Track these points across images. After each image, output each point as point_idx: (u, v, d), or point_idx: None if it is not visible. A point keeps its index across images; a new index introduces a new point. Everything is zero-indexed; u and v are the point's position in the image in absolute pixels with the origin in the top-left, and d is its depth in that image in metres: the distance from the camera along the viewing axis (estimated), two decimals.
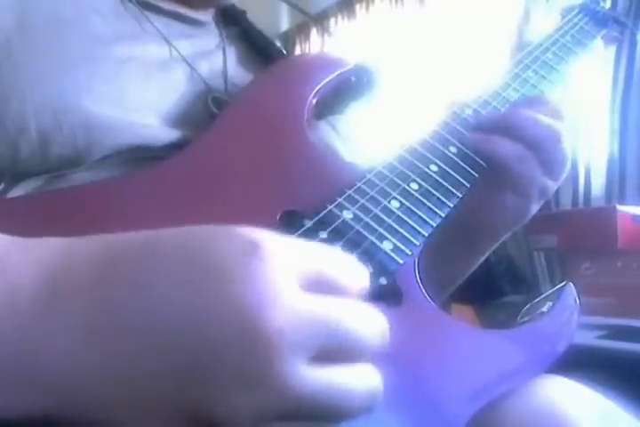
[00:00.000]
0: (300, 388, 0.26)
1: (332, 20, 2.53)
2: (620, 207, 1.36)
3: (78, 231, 0.34)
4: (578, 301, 0.49)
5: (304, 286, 0.28)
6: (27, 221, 0.40)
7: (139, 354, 0.26)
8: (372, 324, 0.29)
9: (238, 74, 0.60)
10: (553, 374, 0.45)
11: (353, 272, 0.31)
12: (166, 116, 0.51)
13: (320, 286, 0.29)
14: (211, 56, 0.59)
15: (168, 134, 0.50)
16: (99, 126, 0.48)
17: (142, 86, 0.51)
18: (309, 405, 0.27)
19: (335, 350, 0.28)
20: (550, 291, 0.51)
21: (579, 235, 1.41)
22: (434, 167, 0.50)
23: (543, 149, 0.53)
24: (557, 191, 1.73)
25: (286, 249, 0.29)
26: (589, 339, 1.19)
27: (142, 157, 0.49)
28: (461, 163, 0.51)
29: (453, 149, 0.52)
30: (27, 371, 0.26)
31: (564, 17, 0.72)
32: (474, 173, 0.52)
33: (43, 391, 0.26)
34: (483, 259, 0.62)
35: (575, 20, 0.71)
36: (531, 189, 0.55)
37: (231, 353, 0.26)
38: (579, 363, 0.55)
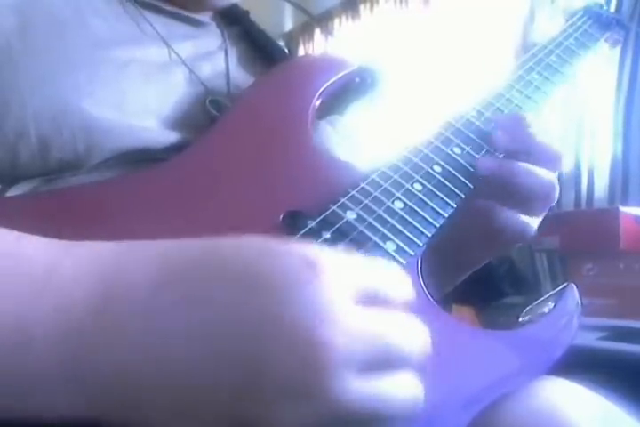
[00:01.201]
0: (348, 402, 0.27)
1: (336, 21, 2.53)
2: (622, 208, 1.36)
3: (76, 231, 0.34)
4: (579, 302, 0.49)
5: (356, 300, 0.29)
6: (24, 219, 0.40)
7: (194, 364, 0.27)
8: (416, 336, 0.31)
9: (241, 75, 0.60)
10: (554, 375, 0.45)
11: (401, 285, 0.32)
12: (166, 118, 0.51)
13: (370, 299, 0.30)
14: (213, 57, 0.59)
15: (168, 137, 0.50)
16: (99, 130, 0.47)
17: (142, 89, 0.51)
18: (355, 417, 0.28)
19: (382, 363, 0.29)
20: (552, 292, 0.51)
21: (581, 236, 1.41)
22: (437, 168, 0.50)
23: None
24: (560, 192, 1.72)
25: (341, 266, 0.30)
26: (591, 340, 1.19)
27: (142, 159, 0.48)
28: (465, 164, 0.51)
29: (457, 150, 0.52)
30: (81, 374, 0.28)
31: (567, 20, 0.72)
32: (477, 173, 0.52)
33: (92, 395, 0.28)
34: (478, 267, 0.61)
35: (579, 22, 0.71)
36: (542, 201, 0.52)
37: (285, 366, 0.27)
38: (580, 364, 0.55)
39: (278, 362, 0.27)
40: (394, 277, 0.32)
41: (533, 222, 0.53)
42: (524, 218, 0.52)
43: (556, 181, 0.52)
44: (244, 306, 0.27)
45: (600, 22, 0.72)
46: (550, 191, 0.52)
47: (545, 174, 0.51)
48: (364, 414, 0.28)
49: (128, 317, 0.28)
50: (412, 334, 0.31)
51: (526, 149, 0.52)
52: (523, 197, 0.52)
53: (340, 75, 0.56)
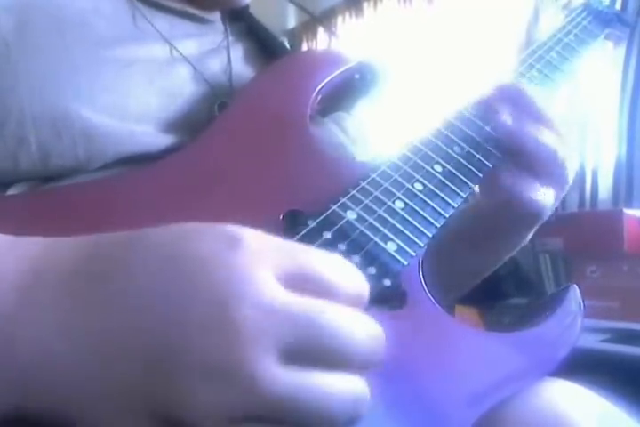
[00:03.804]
0: (270, 386, 0.25)
1: (340, 18, 2.53)
2: (626, 210, 1.36)
3: (74, 228, 0.34)
4: (582, 303, 0.49)
5: (286, 282, 0.27)
6: (20, 218, 0.39)
7: (110, 337, 0.26)
8: (362, 331, 0.27)
9: (245, 71, 0.59)
10: (556, 377, 0.45)
11: (347, 276, 0.29)
12: (169, 121, 0.50)
13: (306, 285, 0.27)
14: (218, 54, 0.59)
15: (170, 141, 0.49)
16: (99, 136, 0.47)
17: (145, 91, 0.50)
18: (283, 407, 0.25)
19: (314, 353, 0.26)
20: (554, 292, 0.50)
21: (585, 238, 1.41)
22: (438, 167, 0.49)
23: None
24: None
25: (268, 245, 0.28)
26: (593, 342, 1.18)
27: (141, 164, 0.47)
28: (465, 163, 0.51)
29: (457, 149, 0.51)
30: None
31: (567, 16, 0.71)
32: (478, 172, 0.51)
33: (11, 383, 0.27)
34: (496, 265, 0.61)
35: (578, 19, 0.70)
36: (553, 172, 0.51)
37: (200, 340, 0.25)
38: (582, 366, 0.55)
39: (192, 340, 0.25)
40: (342, 268, 0.29)
41: (550, 193, 0.52)
42: (541, 188, 0.51)
43: (560, 147, 0.51)
44: (162, 282, 0.26)
45: (600, 19, 0.71)
46: (555, 156, 0.50)
47: (549, 139, 0.50)
48: (293, 408, 0.26)
49: (51, 293, 0.27)
50: (356, 328, 0.27)
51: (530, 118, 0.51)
52: (533, 164, 0.50)
53: (339, 71, 0.55)
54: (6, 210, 0.42)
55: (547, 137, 0.50)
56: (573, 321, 0.48)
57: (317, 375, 0.26)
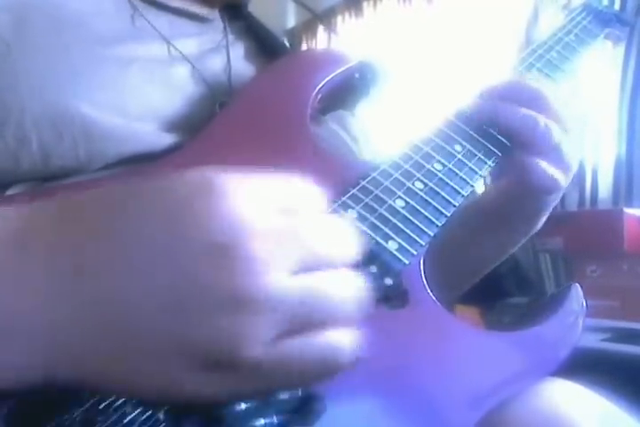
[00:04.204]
0: (285, 292, 0.26)
1: (340, 18, 2.53)
2: (626, 210, 1.36)
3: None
4: (584, 303, 0.49)
5: (273, 211, 0.28)
6: None
7: (117, 293, 0.26)
8: (344, 243, 0.30)
9: (245, 70, 0.59)
10: (557, 376, 0.45)
11: (316, 196, 0.31)
12: (169, 120, 0.50)
13: (290, 211, 0.29)
14: (218, 53, 0.58)
15: (171, 140, 0.49)
16: (100, 135, 0.46)
17: (146, 90, 0.50)
18: (298, 310, 0.27)
19: (313, 266, 0.28)
20: (556, 292, 0.50)
21: (585, 237, 1.41)
22: (438, 166, 0.49)
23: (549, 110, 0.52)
24: (563, 193, 1.72)
25: (252, 180, 0.30)
26: (594, 342, 1.18)
27: (143, 163, 0.47)
28: (466, 161, 0.51)
29: (458, 148, 0.51)
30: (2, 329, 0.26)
31: (567, 16, 0.72)
32: (479, 171, 0.51)
33: (29, 348, 0.26)
34: (512, 250, 0.62)
35: (578, 18, 0.70)
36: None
37: (209, 276, 0.26)
38: (583, 366, 0.55)
39: (201, 274, 0.26)
40: (312, 191, 0.31)
41: (558, 174, 0.52)
42: (550, 167, 0.51)
43: (564, 137, 0.52)
44: (156, 229, 0.26)
45: (599, 18, 0.71)
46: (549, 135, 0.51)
47: (555, 129, 0.51)
48: (306, 306, 0.27)
49: (39, 254, 0.27)
50: (339, 240, 0.30)
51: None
52: (541, 150, 0.51)
53: (339, 70, 0.55)
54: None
55: (552, 127, 0.51)
56: (575, 321, 0.48)
57: (321, 276, 0.28)
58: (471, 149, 0.52)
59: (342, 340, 0.29)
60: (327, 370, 0.29)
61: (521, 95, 0.52)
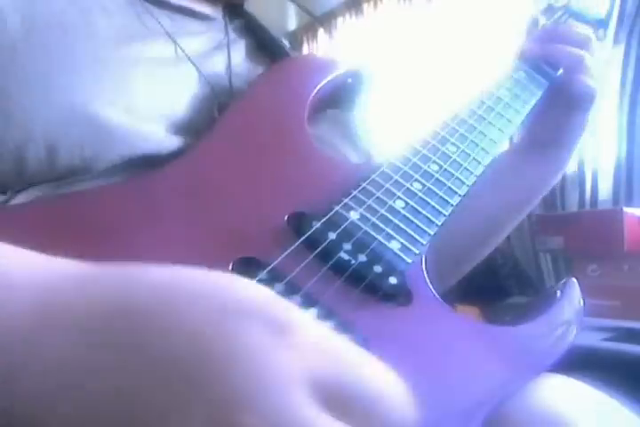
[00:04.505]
0: None
1: (340, 20, 2.53)
2: (626, 209, 1.36)
3: (79, 238, 0.33)
4: (581, 297, 0.50)
5: (322, 398, 0.22)
6: (24, 227, 0.39)
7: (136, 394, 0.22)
8: None
9: (246, 69, 0.60)
10: (558, 374, 0.45)
11: (396, 405, 0.24)
12: (174, 121, 0.51)
13: (345, 408, 0.23)
14: (220, 52, 0.59)
15: (176, 142, 0.49)
16: (106, 134, 0.47)
17: (151, 90, 0.51)
18: None
19: None
20: (553, 286, 0.51)
21: (585, 237, 1.41)
22: (434, 167, 0.51)
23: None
24: (564, 193, 1.73)
25: (316, 340, 0.23)
26: (595, 341, 1.18)
27: (150, 164, 0.47)
28: (461, 161, 0.52)
29: (452, 149, 0.53)
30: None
31: (548, 19, 0.75)
32: (474, 170, 0.53)
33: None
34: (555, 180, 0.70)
35: (560, 21, 0.74)
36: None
37: None
38: (584, 365, 0.55)
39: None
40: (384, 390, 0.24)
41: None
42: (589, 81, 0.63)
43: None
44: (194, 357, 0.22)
45: (579, 21, 0.74)
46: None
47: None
48: None
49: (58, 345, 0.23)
50: None
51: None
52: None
53: (330, 77, 0.56)
54: (7, 220, 0.41)
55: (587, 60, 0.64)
56: (572, 315, 0.49)
57: None
58: (466, 149, 0.53)
59: None
60: None
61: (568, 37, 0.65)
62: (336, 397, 0.22)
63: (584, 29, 0.69)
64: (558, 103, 0.65)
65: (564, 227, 1.43)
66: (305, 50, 2.63)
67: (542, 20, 0.73)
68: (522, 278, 1.65)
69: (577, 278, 0.51)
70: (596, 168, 1.68)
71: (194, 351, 0.22)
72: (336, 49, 2.53)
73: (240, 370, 0.21)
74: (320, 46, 2.63)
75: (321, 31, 2.63)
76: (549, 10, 0.76)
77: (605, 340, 1.20)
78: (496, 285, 1.51)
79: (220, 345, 0.22)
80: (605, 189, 1.66)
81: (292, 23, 2.74)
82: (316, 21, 2.38)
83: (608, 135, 1.65)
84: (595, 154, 1.68)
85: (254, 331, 0.22)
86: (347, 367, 0.23)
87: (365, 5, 2.46)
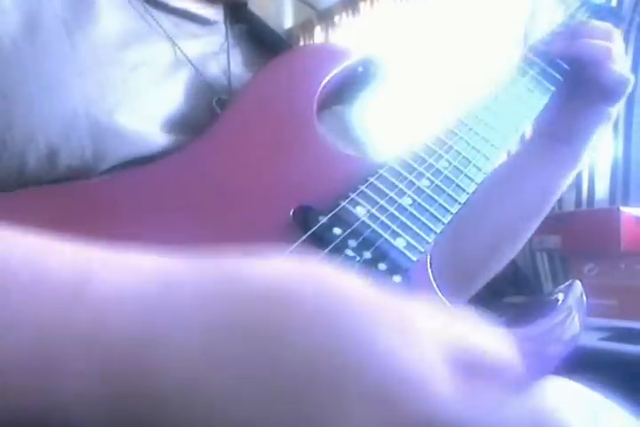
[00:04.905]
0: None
1: (337, 18, 2.53)
2: (623, 209, 1.36)
3: (81, 226, 0.33)
4: (584, 301, 0.49)
5: (455, 367, 0.25)
6: (24, 215, 0.39)
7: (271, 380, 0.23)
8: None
9: (245, 73, 0.59)
10: (555, 375, 0.45)
11: (506, 360, 0.28)
12: (175, 124, 0.50)
13: (471, 369, 0.26)
14: (220, 56, 0.59)
15: (176, 143, 0.49)
16: (107, 136, 0.47)
17: (152, 93, 0.50)
18: None
19: None
20: (556, 289, 0.51)
21: (582, 236, 1.41)
22: (444, 163, 0.50)
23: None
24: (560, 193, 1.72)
25: (438, 324, 0.27)
26: (592, 341, 1.18)
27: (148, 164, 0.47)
28: (471, 158, 0.52)
29: (463, 145, 0.52)
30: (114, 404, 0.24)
31: (567, 11, 0.75)
32: (484, 168, 0.52)
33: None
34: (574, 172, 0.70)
35: (578, 14, 0.73)
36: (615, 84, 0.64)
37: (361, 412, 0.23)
38: (581, 365, 0.55)
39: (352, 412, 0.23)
40: (500, 349, 0.28)
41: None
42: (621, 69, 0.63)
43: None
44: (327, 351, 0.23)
45: (597, 14, 0.74)
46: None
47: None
48: None
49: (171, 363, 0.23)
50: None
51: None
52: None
53: (343, 65, 0.55)
54: (10, 208, 0.41)
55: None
56: (573, 319, 0.48)
57: None
58: (476, 146, 0.53)
59: None
60: None
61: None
62: (465, 364, 0.26)
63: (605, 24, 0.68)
64: (579, 96, 0.65)
65: (560, 226, 1.43)
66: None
67: (540, 10, 0.73)
68: (518, 278, 1.65)
69: (574, 278, 0.51)
70: (592, 167, 1.68)
71: (343, 346, 0.24)
72: (337, 41, 2.53)
73: (385, 364, 0.24)
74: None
75: (318, 29, 2.63)
76: (566, 2, 0.77)
77: (602, 339, 1.20)
78: (492, 284, 1.51)
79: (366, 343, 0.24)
80: (602, 189, 1.66)
81: (289, 21, 2.73)
82: (315, 16, 2.38)
83: (604, 134, 1.65)
84: (591, 153, 1.68)
85: (384, 335, 0.24)
86: (464, 340, 0.27)
87: (362, 4, 2.46)
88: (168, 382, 0.23)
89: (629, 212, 1.34)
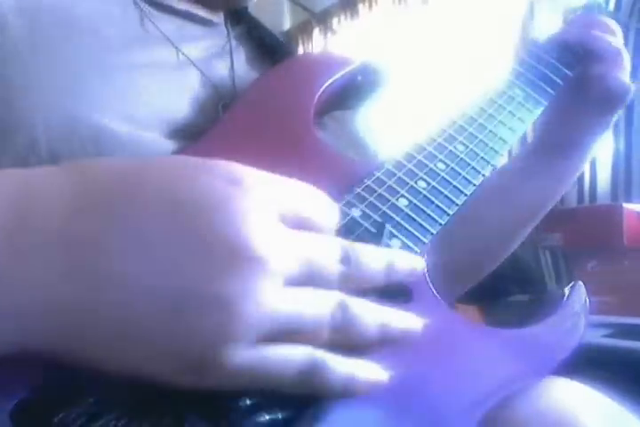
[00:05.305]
0: (277, 305, 0.28)
1: (335, 19, 2.53)
2: (625, 205, 1.35)
3: None
4: (587, 302, 0.49)
5: (280, 219, 0.30)
6: None
7: (128, 279, 0.27)
8: (336, 251, 0.32)
9: (249, 74, 0.59)
10: (559, 373, 0.45)
11: (327, 210, 0.33)
12: (177, 128, 0.50)
13: (294, 221, 0.31)
14: (222, 58, 0.59)
15: (178, 148, 0.49)
16: (109, 143, 0.46)
17: (155, 97, 0.50)
18: (283, 322, 0.29)
19: (308, 279, 0.30)
20: (559, 290, 0.51)
21: (584, 233, 1.40)
22: (441, 165, 0.50)
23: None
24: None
25: (267, 184, 0.31)
26: (595, 338, 1.18)
27: None
28: (469, 160, 0.52)
29: (460, 148, 0.52)
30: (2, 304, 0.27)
31: (567, 17, 0.73)
32: (482, 170, 0.52)
33: (21, 323, 0.27)
34: (573, 180, 0.69)
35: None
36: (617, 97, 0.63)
37: (214, 279, 0.27)
38: (584, 362, 0.55)
39: (208, 276, 0.27)
40: (323, 203, 0.33)
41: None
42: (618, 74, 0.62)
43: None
44: (174, 222, 0.28)
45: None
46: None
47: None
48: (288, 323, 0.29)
49: (44, 246, 0.27)
50: (332, 251, 0.31)
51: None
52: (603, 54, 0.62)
53: (342, 72, 0.55)
54: None
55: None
56: (576, 321, 0.48)
57: (309, 293, 0.30)
58: (474, 148, 0.52)
59: (330, 363, 0.30)
60: (308, 388, 0.30)
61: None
62: (287, 213, 0.31)
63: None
64: (579, 103, 0.63)
65: (562, 223, 1.43)
66: (301, 50, 2.62)
67: (538, 12, 0.73)
68: (521, 276, 1.64)
69: (577, 275, 0.51)
70: (594, 163, 1.67)
71: (179, 199, 0.28)
72: (333, 48, 2.52)
73: (217, 210, 0.28)
74: (315, 46, 2.63)
75: (316, 31, 2.63)
76: (569, 10, 0.76)
77: (606, 336, 1.20)
78: (495, 283, 1.50)
79: (194, 197, 0.28)
80: (604, 184, 1.66)
81: (287, 22, 2.73)
82: (312, 19, 2.38)
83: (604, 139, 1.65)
84: (593, 148, 1.68)
85: (217, 182, 0.29)
86: (286, 192, 0.32)
87: (360, 6, 2.46)
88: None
89: (632, 208, 1.34)
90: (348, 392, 0.31)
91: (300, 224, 0.31)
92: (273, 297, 0.28)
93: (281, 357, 0.29)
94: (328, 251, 0.31)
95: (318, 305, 0.30)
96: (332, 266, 0.31)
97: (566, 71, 0.63)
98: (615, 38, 0.64)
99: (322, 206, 0.33)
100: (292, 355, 0.30)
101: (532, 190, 0.66)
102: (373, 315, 0.32)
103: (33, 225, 0.28)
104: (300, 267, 0.30)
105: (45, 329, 0.27)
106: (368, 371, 0.32)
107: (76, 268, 0.27)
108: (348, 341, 0.31)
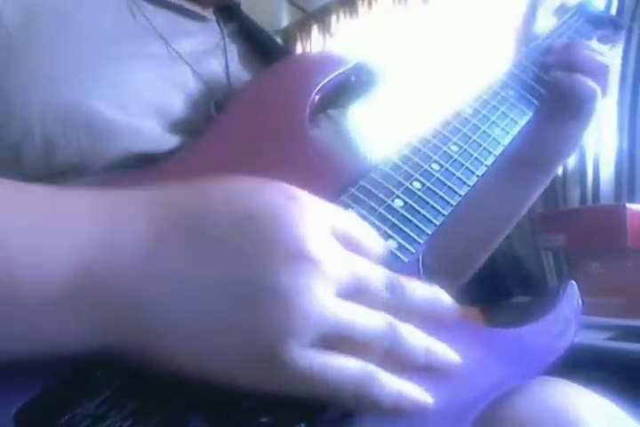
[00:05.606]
0: (333, 308, 0.31)
1: (334, 17, 2.53)
2: (629, 205, 1.34)
3: None
4: (580, 302, 0.50)
5: (334, 235, 0.33)
6: None
7: (207, 281, 0.31)
8: (383, 277, 0.34)
9: (241, 71, 0.60)
10: (561, 374, 0.45)
11: (375, 239, 0.36)
12: (171, 119, 0.51)
13: (345, 242, 0.34)
14: (214, 55, 0.59)
15: (172, 140, 0.49)
16: (103, 131, 0.47)
17: (148, 88, 0.51)
18: (335, 330, 0.31)
19: (356, 293, 0.33)
20: (552, 290, 0.52)
21: (587, 234, 1.39)
22: (435, 166, 0.50)
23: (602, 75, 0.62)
24: (565, 188, 1.71)
25: (320, 203, 0.35)
26: (599, 340, 1.17)
27: (147, 162, 0.48)
28: (463, 161, 0.52)
29: (455, 148, 0.53)
30: (92, 303, 0.31)
31: (560, 17, 0.72)
32: (476, 170, 0.52)
33: (105, 321, 0.31)
34: (532, 201, 0.68)
35: (571, 21, 0.71)
36: (591, 110, 0.62)
37: (276, 269, 0.31)
38: (588, 364, 0.55)
39: (270, 271, 0.31)
40: (367, 229, 0.37)
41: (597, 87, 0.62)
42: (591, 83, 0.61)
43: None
44: (238, 236, 0.32)
45: (592, 21, 0.72)
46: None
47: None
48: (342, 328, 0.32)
49: (133, 268, 0.31)
50: (381, 276, 0.34)
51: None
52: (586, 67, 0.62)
53: (336, 73, 0.56)
54: None
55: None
56: (570, 321, 0.49)
57: (358, 308, 0.33)
58: (468, 149, 0.53)
59: (388, 382, 0.32)
60: (360, 401, 0.32)
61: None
62: (338, 232, 0.34)
63: (600, 47, 0.66)
64: (552, 117, 0.63)
65: (565, 224, 1.42)
66: (299, 47, 2.62)
67: (539, 11, 0.71)
68: (523, 277, 1.64)
69: (580, 277, 0.51)
70: (597, 162, 1.67)
71: (247, 216, 0.33)
72: (330, 47, 2.52)
73: (279, 217, 0.32)
74: (314, 44, 2.63)
75: (315, 28, 2.62)
76: (561, 9, 0.75)
77: (610, 339, 1.19)
78: (497, 284, 1.50)
79: (259, 209, 0.33)
80: (607, 184, 1.65)
81: (285, 20, 2.73)
82: (310, 17, 2.38)
83: (609, 129, 1.64)
84: (596, 148, 1.67)
85: (277, 197, 0.33)
86: (338, 213, 0.36)
87: (359, 3, 2.45)
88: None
89: (635, 208, 1.33)
90: (396, 409, 0.33)
91: (349, 245, 0.34)
92: (328, 298, 0.31)
93: (339, 367, 0.31)
94: (377, 274, 0.34)
95: (371, 319, 0.32)
96: (380, 289, 0.33)
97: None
98: (599, 76, 0.63)
99: (370, 234, 0.36)
100: (348, 366, 0.32)
101: (501, 205, 0.66)
102: (422, 340, 0.34)
103: (119, 249, 0.32)
104: (349, 279, 0.32)
105: (125, 329, 0.31)
106: (416, 392, 0.34)
107: (165, 273, 0.31)
108: (395, 361, 0.33)
